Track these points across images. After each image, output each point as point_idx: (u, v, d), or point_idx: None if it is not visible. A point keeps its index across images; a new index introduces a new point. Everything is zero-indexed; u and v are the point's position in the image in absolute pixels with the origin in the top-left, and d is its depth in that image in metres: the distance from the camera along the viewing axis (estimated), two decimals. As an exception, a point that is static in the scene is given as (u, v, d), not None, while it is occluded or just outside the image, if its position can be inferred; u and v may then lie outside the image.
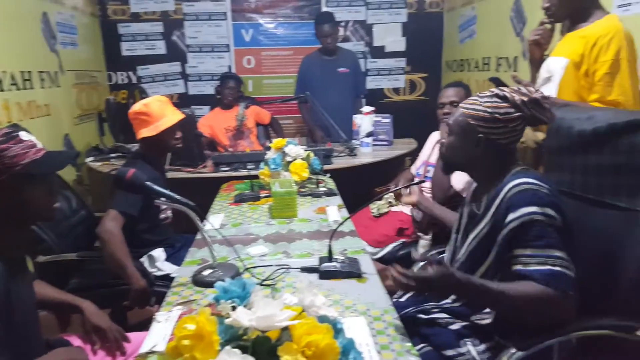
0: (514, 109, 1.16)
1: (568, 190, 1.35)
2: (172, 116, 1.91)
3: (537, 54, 1.84)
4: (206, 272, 1.33)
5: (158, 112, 1.89)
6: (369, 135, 2.98)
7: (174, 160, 2.75)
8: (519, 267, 1.09)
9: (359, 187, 2.72)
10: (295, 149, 2.28)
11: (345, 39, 4.47)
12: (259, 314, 0.67)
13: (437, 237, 1.95)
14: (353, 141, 3.11)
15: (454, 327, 1.23)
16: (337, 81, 3.53)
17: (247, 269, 1.36)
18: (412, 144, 3.37)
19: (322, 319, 0.74)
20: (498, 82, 1.76)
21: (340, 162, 2.85)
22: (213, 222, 1.85)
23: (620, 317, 1.14)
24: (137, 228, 1.88)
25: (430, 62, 4.63)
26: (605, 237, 1.22)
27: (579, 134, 1.31)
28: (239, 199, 2.14)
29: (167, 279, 1.75)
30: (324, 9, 4.35)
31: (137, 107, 1.90)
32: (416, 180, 2.41)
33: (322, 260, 1.36)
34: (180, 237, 2.11)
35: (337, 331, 0.73)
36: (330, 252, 1.34)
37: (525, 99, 1.15)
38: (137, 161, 1.93)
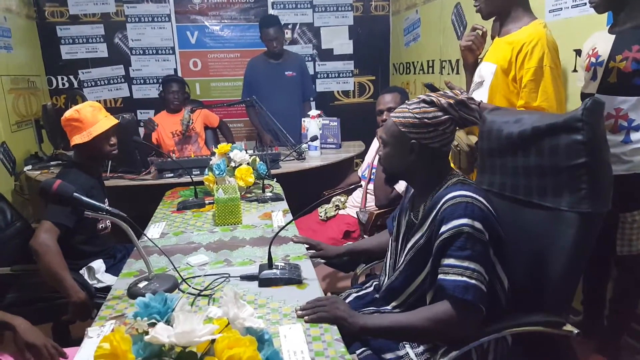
0: (442, 112, 1.19)
1: (499, 192, 1.40)
2: (105, 122, 1.85)
3: (470, 59, 1.89)
4: (142, 284, 1.29)
5: (90, 118, 1.82)
6: (313, 139, 2.99)
7: (116, 167, 2.66)
8: (441, 275, 1.12)
9: (307, 191, 2.71)
10: (240, 154, 2.26)
11: (293, 42, 4.47)
12: (178, 329, 0.65)
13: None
14: (302, 145, 3.11)
15: (393, 330, 1.25)
16: (284, 85, 3.52)
17: (184, 280, 1.32)
18: (361, 146, 3.41)
19: (248, 330, 0.73)
20: (432, 88, 1.80)
21: (289, 166, 2.84)
22: (153, 231, 1.79)
23: (550, 313, 1.19)
24: (74, 239, 1.81)
25: (378, 65, 4.71)
26: (534, 235, 1.26)
27: (507, 137, 1.35)
28: (182, 207, 2.09)
29: (108, 291, 1.68)
30: (270, 11, 4.34)
31: (69, 113, 1.83)
32: (362, 183, 2.44)
33: (262, 267, 1.34)
34: (121, 247, 2.04)
35: (263, 342, 0.73)
36: (270, 258, 1.33)
37: (451, 101, 1.19)
38: (71, 170, 1.85)
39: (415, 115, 1.20)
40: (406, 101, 1.26)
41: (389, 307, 1.33)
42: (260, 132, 3.59)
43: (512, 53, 1.67)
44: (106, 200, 1.97)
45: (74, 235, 1.80)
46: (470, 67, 1.91)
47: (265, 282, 1.29)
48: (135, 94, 4.31)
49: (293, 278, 1.30)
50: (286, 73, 3.54)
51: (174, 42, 4.29)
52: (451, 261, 1.10)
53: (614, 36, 1.74)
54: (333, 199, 2.42)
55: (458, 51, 3.38)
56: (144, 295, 1.15)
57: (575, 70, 2.17)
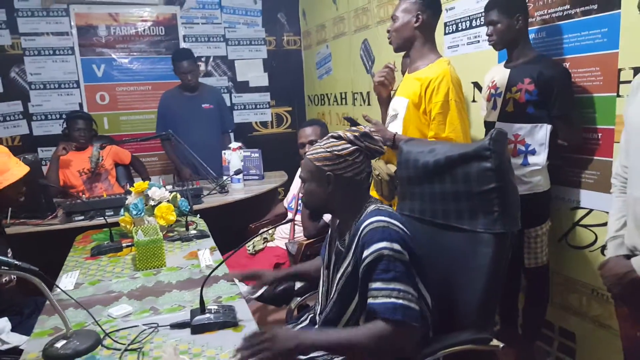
0: (350, 144, 1.29)
1: (419, 217, 1.48)
2: (17, 170, 1.69)
3: (383, 93, 2.01)
4: (59, 344, 1.17)
5: (0, 165, 1.66)
6: (238, 172, 2.95)
7: (17, 212, 2.41)
8: (370, 300, 1.16)
9: (233, 225, 2.66)
10: (159, 192, 2.16)
11: (207, 74, 4.44)
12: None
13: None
14: (223, 178, 3.05)
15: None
16: (201, 117, 3.46)
17: (107, 334, 1.23)
18: (283, 176, 3.43)
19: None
20: (352, 122, 1.88)
21: (211, 200, 2.77)
22: (66, 282, 1.65)
23: (476, 330, 1.26)
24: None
25: (294, 96, 4.82)
26: (454, 256, 1.35)
27: (423, 166, 1.45)
28: (97, 252, 1.94)
29: (16, 353, 1.51)
30: (182, 44, 4.29)
31: None
32: (289, 214, 2.45)
33: (193, 313, 1.28)
34: (29, 302, 1.84)
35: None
36: (202, 302, 1.28)
37: (356, 134, 1.30)
38: (-35, 221, 1.66)
39: (327, 149, 1.30)
40: (319, 141, 1.36)
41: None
42: (178, 167, 3.47)
43: (421, 89, 1.80)
44: (9, 250, 1.79)
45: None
46: (384, 101, 2.03)
47: (198, 329, 1.23)
48: (35, 130, 3.99)
49: (228, 321, 1.25)
50: (203, 106, 3.49)
51: (79, 75, 4.06)
52: (378, 284, 1.15)
53: (509, 70, 1.94)
54: (261, 231, 2.41)
55: (368, 84, 3.58)
56: (64, 357, 1.05)
57: (474, 101, 2.38)
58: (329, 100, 4.32)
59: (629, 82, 1.57)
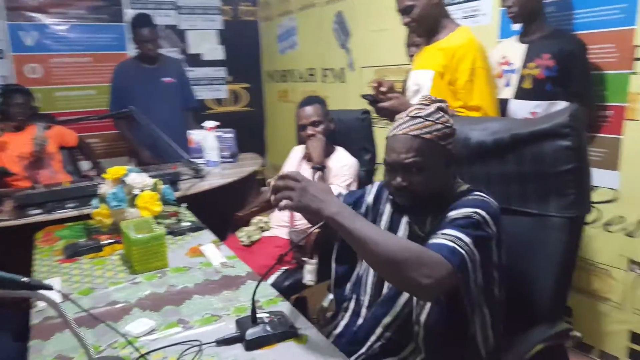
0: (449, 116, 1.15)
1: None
2: None
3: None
4: (82, 380, 0.91)
5: None
6: (234, 155, 2.64)
7: (-47, 208, 2.00)
8: (430, 240, 1.01)
9: (212, 215, 2.39)
10: (140, 178, 1.86)
11: (157, 45, 4.03)
12: None
13: (324, 259, 1.82)
14: (195, 160, 2.74)
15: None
16: (162, 93, 3.10)
17: (141, 357, 0.98)
18: (256, 158, 3.17)
19: None
20: (371, 99, 1.68)
21: (187, 187, 2.46)
22: (50, 293, 1.34)
23: (552, 322, 1.17)
24: None
25: (251, 72, 4.53)
26: (517, 243, 1.23)
27: (478, 145, 1.32)
28: (72, 253, 1.63)
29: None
30: (127, 11, 3.84)
31: None
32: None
33: (242, 324, 1.06)
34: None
35: None
36: (254, 311, 1.06)
37: (442, 105, 1.15)
38: None
39: (445, 124, 1.11)
40: (415, 113, 1.10)
41: (380, 328, 1.17)
42: (136, 149, 3.10)
43: (446, 58, 1.71)
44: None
45: None
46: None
47: (254, 344, 1.01)
48: (-45, 109, 3.39)
49: (287, 331, 1.05)
50: (164, 79, 3.12)
51: (6, 43, 3.50)
52: (446, 229, 1.01)
53: (524, 45, 1.87)
54: (254, 220, 2.17)
55: (341, 59, 3.39)
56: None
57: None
58: (292, 76, 4.09)
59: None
